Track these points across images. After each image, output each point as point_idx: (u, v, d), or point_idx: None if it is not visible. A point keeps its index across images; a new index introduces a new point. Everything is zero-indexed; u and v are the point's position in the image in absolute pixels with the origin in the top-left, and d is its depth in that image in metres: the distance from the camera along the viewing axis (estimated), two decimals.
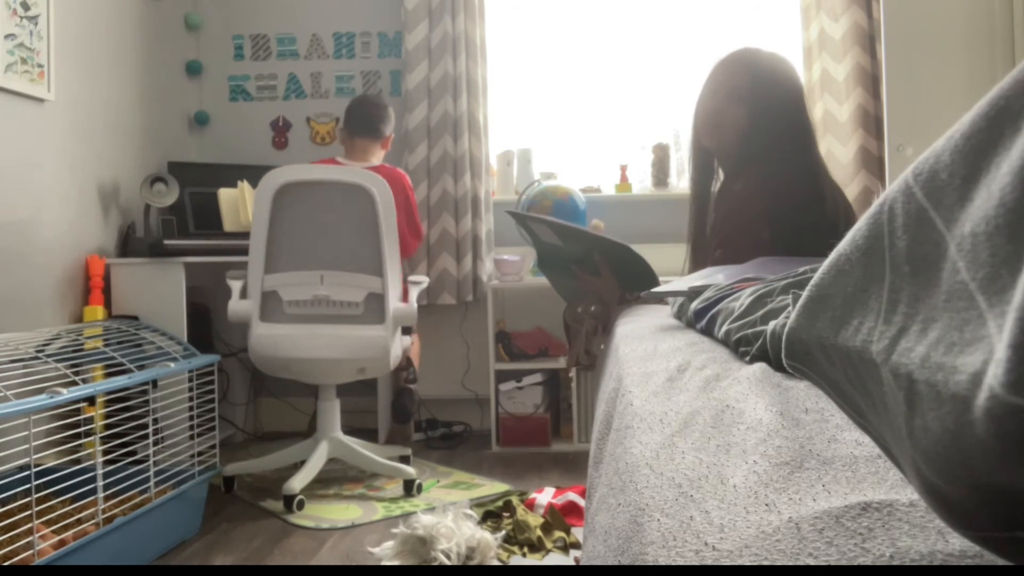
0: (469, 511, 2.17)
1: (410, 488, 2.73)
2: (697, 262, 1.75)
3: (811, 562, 0.33)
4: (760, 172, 1.63)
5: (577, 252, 1.77)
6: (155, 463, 2.14)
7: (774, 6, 3.65)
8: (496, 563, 2.06)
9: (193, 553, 2.22)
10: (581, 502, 2.42)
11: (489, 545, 2.05)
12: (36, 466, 1.77)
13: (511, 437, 3.32)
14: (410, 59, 3.65)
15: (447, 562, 1.96)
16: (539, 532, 2.21)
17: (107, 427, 2.22)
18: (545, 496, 2.48)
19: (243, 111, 3.85)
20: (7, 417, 1.67)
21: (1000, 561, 0.28)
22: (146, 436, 2.13)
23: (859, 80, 3.36)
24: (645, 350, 0.97)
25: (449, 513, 2.10)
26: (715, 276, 1.23)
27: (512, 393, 3.32)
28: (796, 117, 1.68)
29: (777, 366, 0.68)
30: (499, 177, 3.76)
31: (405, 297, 2.87)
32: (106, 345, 2.28)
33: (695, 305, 1.05)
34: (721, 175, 1.78)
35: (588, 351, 1.78)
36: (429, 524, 2.05)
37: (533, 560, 2.13)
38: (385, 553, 2.08)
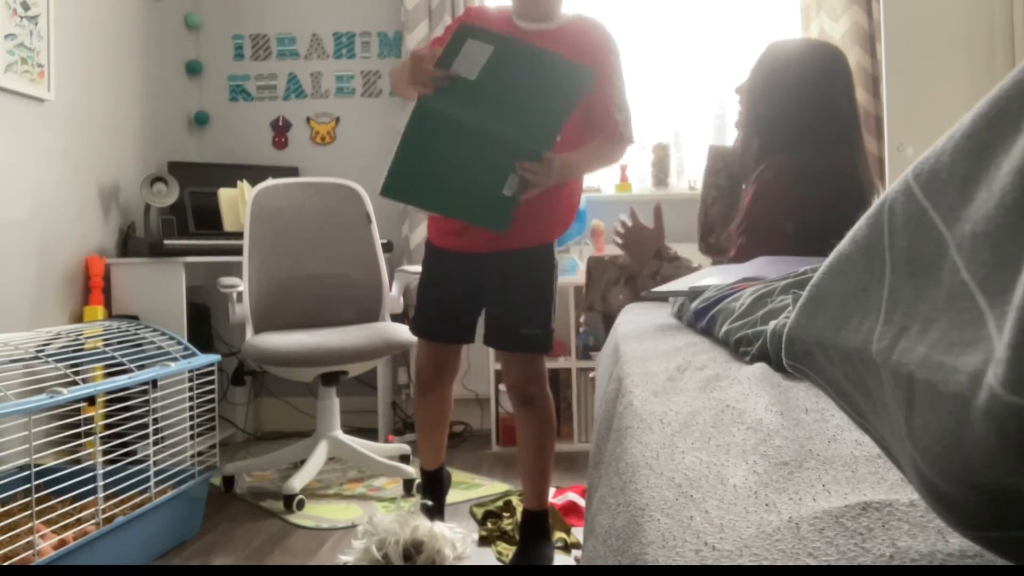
0: (421, 504, 2.22)
1: (410, 488, 2.73)
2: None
3: (811, 562, 0.33)
4: (787, 161, 1.61)
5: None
6: (155, 463, 2.14)
7: (774, 6, 3.65)
8: (449, 551, 2.07)
9: (193, 553, 2.22)
10: (581, 502, 2.42)
11: (437, 536, 2.06)
12: (36, 466, 1.77)
13: (511, 437, 3.31)
14: None
15: (395, 562, 1.99)
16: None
17: (107, 427, 2.22)
18: None
19: (243, 111, 3.85)
20: (7, 417, 1.67)
21: (1000, 561, 0.28)
22: (146, 436, 2.13)
23: (859, 80, 3.35)
24: (645, 350, 0.97)
25: (393, 513, 2.15)
26: (715, 276, 1.23)
27: None
28: (830, 111, 1.64)
29: (777, 366, 0.68)
30: None
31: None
32: (106, 345, 2.28)
33: (695, 305, 1.05)
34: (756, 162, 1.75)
35: (605, 298, 1.77)
36: (370, 529, 2.08)
37: None
38: (348, 559, 2.10)
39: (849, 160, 1.62)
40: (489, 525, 2.33)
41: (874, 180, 1.71)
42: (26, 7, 2.64)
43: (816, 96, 1.62)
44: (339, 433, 2.86)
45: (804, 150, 1.60)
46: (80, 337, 2.33)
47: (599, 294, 1.78)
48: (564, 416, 3.44)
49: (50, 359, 2.04)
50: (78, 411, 2.25)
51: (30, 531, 1.71)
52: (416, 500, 2.58)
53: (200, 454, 2.37)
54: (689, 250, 2.20)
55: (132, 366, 2.18)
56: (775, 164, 1.63)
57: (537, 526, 2.09)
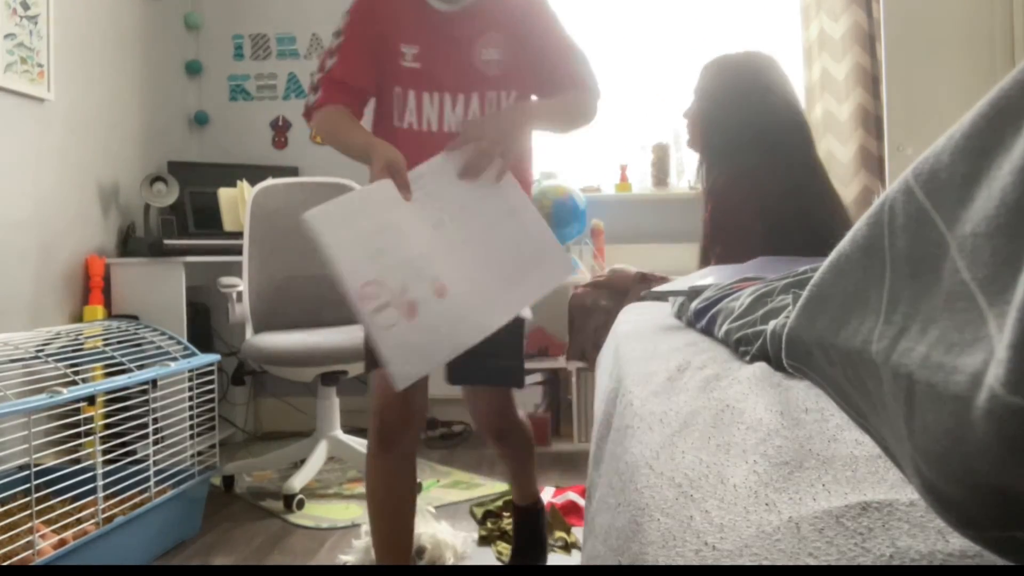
0: (431, 509, 2.19)
1: None
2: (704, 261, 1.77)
3: (811, 562, 0.33)
4: (733, 166, 1.66)
5: None
6: (155, 463, 2.14)
7: (774, 6, 3.65)
8: (450, 555, 2.07)
9: (193, 553, 2.22)
10: (581, 502, 2.42)
11: (440, 543, 2.06)
12: (36, 466, 1.77)
13: None
14: None
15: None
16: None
17: (107, 427, 2.22)
18: (545, 496, 2.47)
19: (243, 111, 3.85)
20: (7, 417, 1.67)
21: (1000, 561, 0.28)
22: (146, 436, 2.13)
23: (859, 80, 3.36)
24: (645, 350, 0.97)
25: None
26: (715, 276, 1.23)
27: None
28: (766, 115, 1.69)
29: (777, 366, 0.68)
30: None
31: None
32: (106, 345, 2.28)
33: (695, 305, 1.04)
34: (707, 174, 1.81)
35: (597, 345, 1.78)
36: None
37: None
38: (349, 559, 2.10)
39: (796, 154, 1.66)
40: (489, 525, 2.33)
41: (823, 172, 1.75)
42: (26, 7, 2.64)
43: (751, 104, 1.69)
44: (339, 433, 2.85)
45: (745, 153, 1.65)
46: (80, 337, 2.33)
47: (590, 341, 1.78)
48: (564, 416, 3.44)
49: (50, 359, 2.04)
50: (78, 411, 2.25)
51: (30, 531, 1.71)
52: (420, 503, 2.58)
53: (200, 454, 2.37)
54: (689, 250, 2.21)
55: (132, 366, 2.18)
56: (723, 172, 1.68)
57: (530, 522, 1.97)
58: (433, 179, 1.39)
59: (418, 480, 2.70)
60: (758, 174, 1.63)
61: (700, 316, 1.01)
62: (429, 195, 1.38)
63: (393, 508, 1.64)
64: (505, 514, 2.43)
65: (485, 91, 1.59)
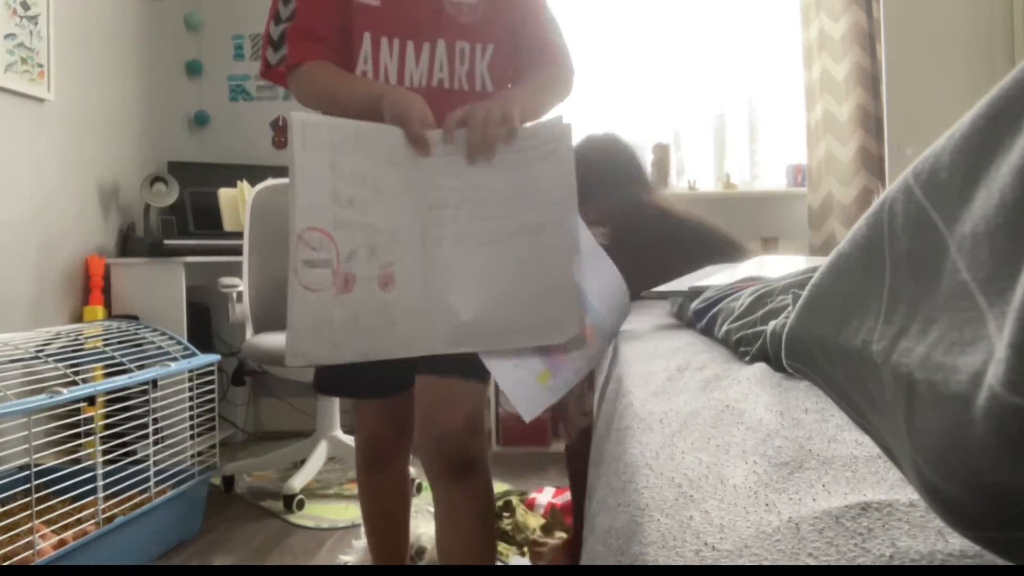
0: (431, 509, 2.18)
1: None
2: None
3: (811, 562, 0.33)
4: (613, 200, 1.83)
5: None
6: (155, 463, 2.14)
7: (774, 6, 3.65)
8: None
9: (193, 553, 2.22)
10: None
11: None
12: (36, 466, 1.77)
13: (511, 437, 3.32)
14: None
15: None
16: (539, 532, 2.21)
17: (107, 427, 2.22)
18: (545, 496, 2.48)
19: (243, 111, 3.85)
20: (7, 417, 1.67)
21: (1000, 561, 0.28)
22: (146, 436, 2.13)
23: (859, 80, 3.36)
24: (645, 350, 0.97)
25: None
26: (715, 276, 1.23)
27: None
28: (608, 182, 1.87)
29: (777, 366, 0.68)
30: None
31: None
32: (106, 345, 2.28)
33: (695, 305, 1.04)
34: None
35: (584, 413, 1.71)
36: None
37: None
38: (349, 559, 2.11)
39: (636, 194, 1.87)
40: None
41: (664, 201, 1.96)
42: (26, 7, 2.64)
43: (597, 176, 1.83)
44: (339, 433, 2.86)
45: (615, 192, 1.84)
46: (80, 337, 2.32)
47: (576, 411, 1.77)
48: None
49: (50, 359, 2.04)
50: (78, 411, 2.25)
51: (30, 531, 1.71)
52: (420, 503, 2.58)
53: (200, 454, 2.37)
54: None
55: (132, 366, 2.18)
56: (609, 203, 1.84)
57: None
58: (459, 153, 1.13)
59: (418, 481, 2.71)
60: (628, 206, 1.81)
61: (700, 316, 1.01)
62: (449, 168, 1.12)
63: (387, 519, 1.59)
64: (505, 514, 2.43)
65: (455, 40, 1.32)
